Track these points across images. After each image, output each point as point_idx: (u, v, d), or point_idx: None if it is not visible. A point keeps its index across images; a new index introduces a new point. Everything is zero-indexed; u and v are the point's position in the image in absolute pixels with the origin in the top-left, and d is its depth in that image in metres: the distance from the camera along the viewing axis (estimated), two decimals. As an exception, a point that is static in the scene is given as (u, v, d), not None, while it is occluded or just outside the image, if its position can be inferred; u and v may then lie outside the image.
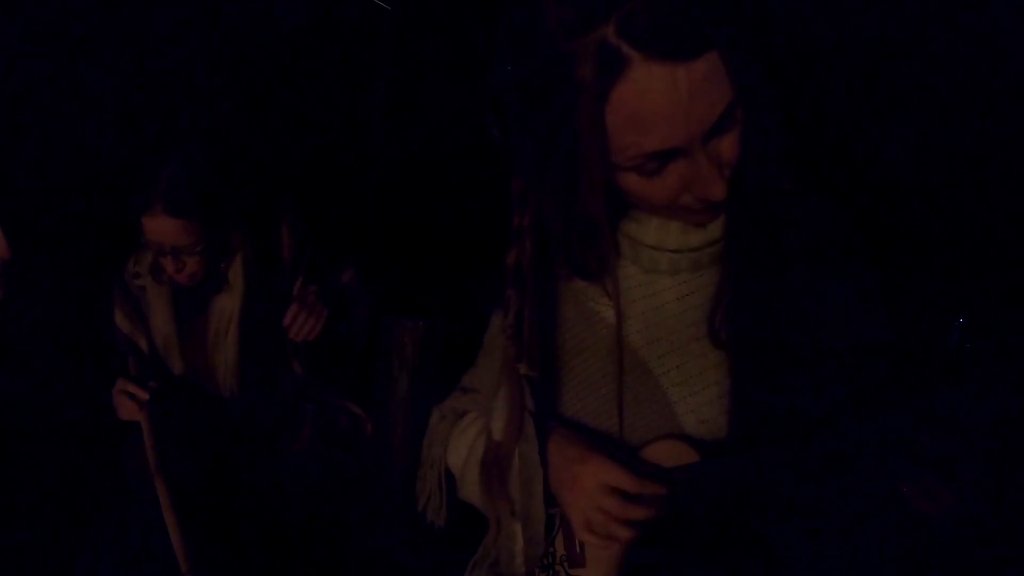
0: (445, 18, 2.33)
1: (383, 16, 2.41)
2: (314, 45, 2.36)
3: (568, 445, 0.96)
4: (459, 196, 2.23)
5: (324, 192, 2.32)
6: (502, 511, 0.99)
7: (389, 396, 1.80)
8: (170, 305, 1.75)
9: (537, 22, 0.79)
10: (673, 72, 0.74)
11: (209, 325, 1.73)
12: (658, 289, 0.98)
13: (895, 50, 1.45)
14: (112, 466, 1.80)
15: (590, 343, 1.02)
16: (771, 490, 0.90)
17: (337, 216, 2.27)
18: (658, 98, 0.75)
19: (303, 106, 2.37)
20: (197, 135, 2.23)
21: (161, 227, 1.58)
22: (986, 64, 1.41)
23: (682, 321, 0.97)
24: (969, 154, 1.45)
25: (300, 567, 1.70)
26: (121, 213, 1.66)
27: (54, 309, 2.01)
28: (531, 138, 0.84)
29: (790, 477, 0.88)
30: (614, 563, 0.97)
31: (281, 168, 2.24)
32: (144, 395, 1.63)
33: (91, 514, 1.75)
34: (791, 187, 1.00)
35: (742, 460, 0.90)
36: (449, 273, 2.17)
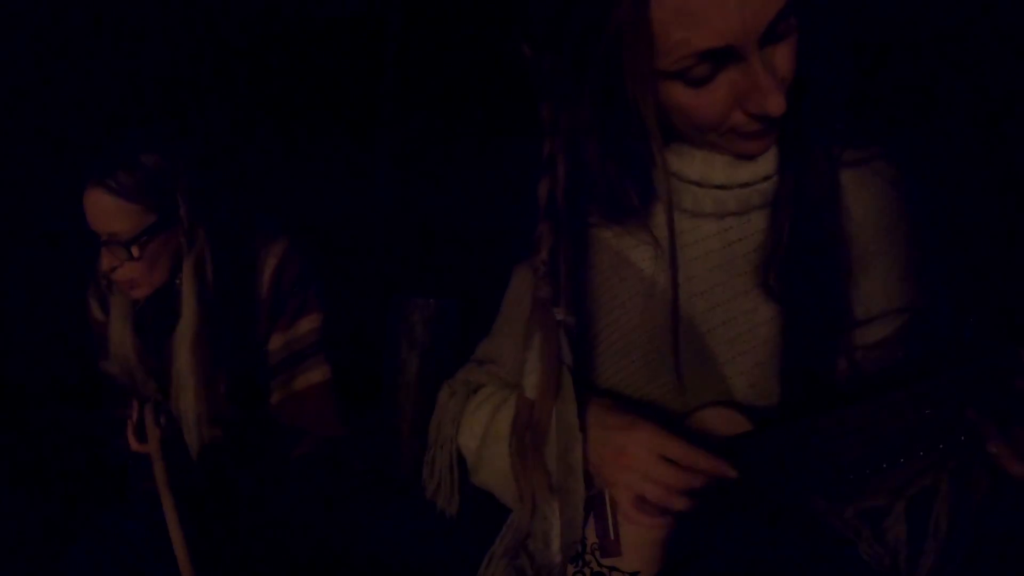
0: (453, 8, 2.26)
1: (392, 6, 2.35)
2: (324, 30, 2.29)
3: (608, 414, 0.85)
4: (471, 171, 2.13)
5: (332, 166, 2.23)
6: (538, 487, 0.86)
7: (397, 380, 1.68)
8: (129, 323, 1.53)
9: None
10: None
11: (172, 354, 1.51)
12: (701, 236, 0.88)
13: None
14: (103, 461, 1.71)
15: (624, 298, 0.92)
16: (832, 464, 0.79)
17: (345, 192, 2.18)
18: None
19: (312, 84, 2.29)
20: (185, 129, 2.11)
21: (94, 204, 1.39)
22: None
23: (728, 271, 0.87)
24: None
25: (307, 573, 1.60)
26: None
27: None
28: (566, 49, 0.77)
29: (855, 447, 0.77)
30: (655, 552, 0.86)
31: (275, 185, 2.10)
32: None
33: (84, 510, 1.66)
34: (850, 124, 0.89)
35: (800, 429, 0.79)
36: (462, 249, 2.07)
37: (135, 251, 1.39)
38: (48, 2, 2.02)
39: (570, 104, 0.81)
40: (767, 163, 0.86)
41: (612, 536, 0.88)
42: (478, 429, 1.00)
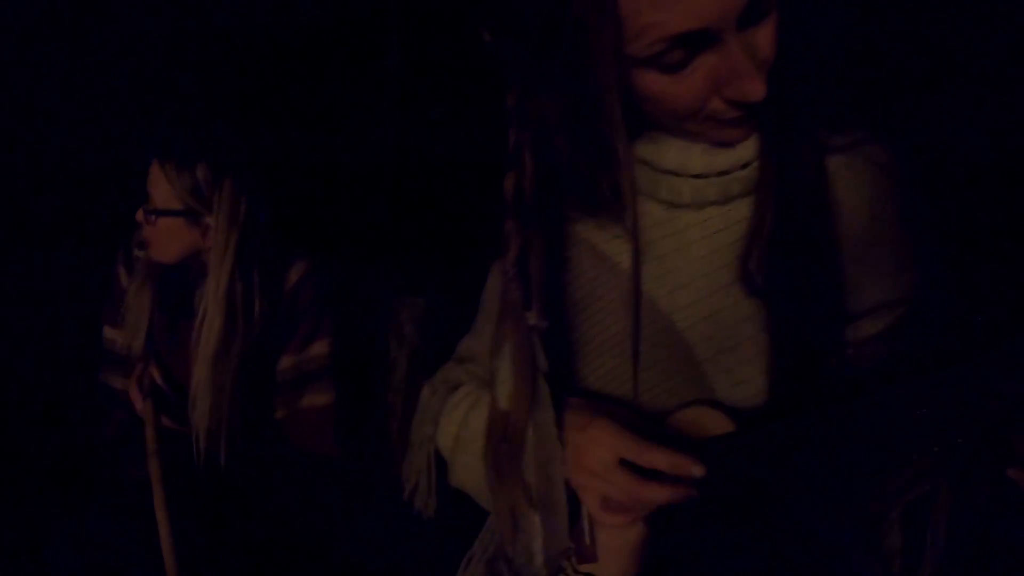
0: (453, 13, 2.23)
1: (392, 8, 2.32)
2: (321, 34, 2.27)
3: (574, 413, 0.80)
4: (462, 170, 2.10)
5: (321, 162, 2.20)
6: (517, 499, 0.81)
7: (387, 379, 1.65)
8: (150, 283, 1.59)
9: None
10: None
11: (191, 332, 1.55)
12: (680, 227, 0.83)
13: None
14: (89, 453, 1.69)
15: (602, 294, 0.87)
16: (819, 466, 0.74)
17: (334, 190, 2.15)
18: None
19: (307, 86, 2.26)
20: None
21: (152, 169, 1.55)
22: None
23: (710, 264, 0.82)
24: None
25: (293, 569, 1.57)
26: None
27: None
28: (529, 35, 0.72)
29: (844, 449, 0.73)
30: (632, 558, 0.81)
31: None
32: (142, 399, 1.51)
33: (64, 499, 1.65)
34: (837, 107, 0.85)
35: (786, 429, 0.74)
36: (452, 247, 2.03)
37: (151, 218, 1.54)
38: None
39: (536, 93, 0.76)
40: (747, 149, 0.80)
41: (588, 541, 0.84)
42: (453, 429, 0.96)
